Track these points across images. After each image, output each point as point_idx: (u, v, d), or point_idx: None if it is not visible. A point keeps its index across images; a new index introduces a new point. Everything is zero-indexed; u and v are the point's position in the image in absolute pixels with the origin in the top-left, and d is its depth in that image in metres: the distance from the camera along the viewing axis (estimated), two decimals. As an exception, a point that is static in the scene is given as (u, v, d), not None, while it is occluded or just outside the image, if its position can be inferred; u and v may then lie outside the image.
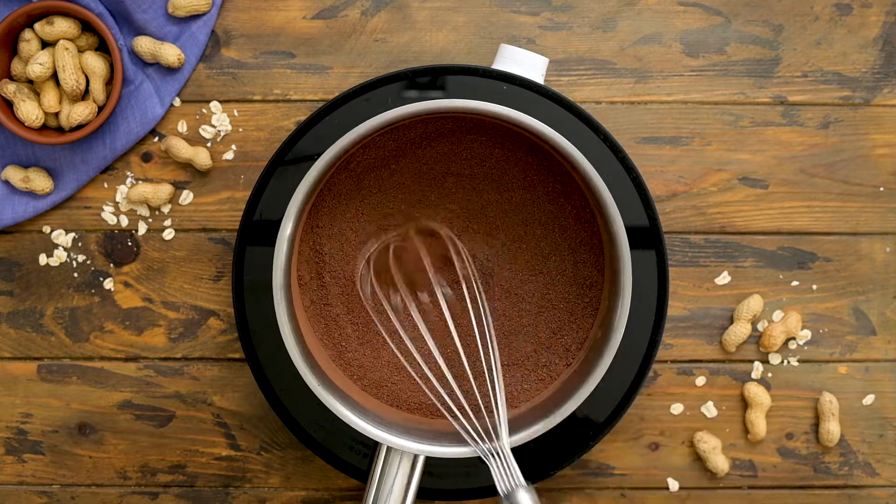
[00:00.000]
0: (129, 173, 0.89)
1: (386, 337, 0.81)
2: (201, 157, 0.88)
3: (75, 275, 0.89)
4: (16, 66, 0.87)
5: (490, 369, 0.79)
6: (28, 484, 0.90)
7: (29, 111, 0.85)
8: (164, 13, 0.88)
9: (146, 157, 0.89)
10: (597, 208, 0.81)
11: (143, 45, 0.87)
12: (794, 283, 0.90)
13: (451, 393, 0.83)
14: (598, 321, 0.83)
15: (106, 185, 0.89)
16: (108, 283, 0.89)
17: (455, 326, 0.82)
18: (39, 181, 0.88)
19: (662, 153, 0.89)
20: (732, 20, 0.89)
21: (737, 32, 0.89)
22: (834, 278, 0.90)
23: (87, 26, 0.87)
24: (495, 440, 0.78)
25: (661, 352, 0.89)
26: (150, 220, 0.89)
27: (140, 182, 0.89)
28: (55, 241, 0.89)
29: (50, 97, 0.86)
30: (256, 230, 0.80)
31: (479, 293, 0.80)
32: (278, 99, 0.89)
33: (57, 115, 0.87)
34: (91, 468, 0.90)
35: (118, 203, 0.89)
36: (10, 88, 0.85)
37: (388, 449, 0.79)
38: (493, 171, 0.84)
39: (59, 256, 0.89)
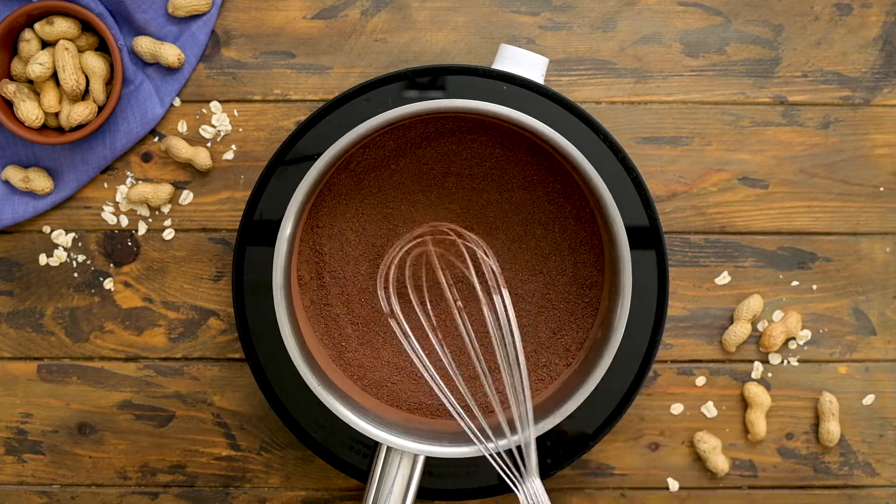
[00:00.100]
0: (129, 173, 0.89)
1: (411, 353, 0.80)
2: (201, 157, 0.88)
3: (75, 275, 0.89)
4: (16, 66, 0.87)
5: (516, 389, 0.78)
6: (28, 484, 0.90)
7: (29, 111, 0.85)
8: (164, 13, 0.88)
9: (146, 157, 0.89)
10: (597, 208, 0.81)
11: (143, 45, 0.87)
12: (794, 283, 0.90)
13: (467, 407, 0.83)
14: (598, 321, 0.83)
15: (106, 185, 0.89)
16: (108, 283, 0.89)
17: (477, 340, 0.82)
18: (39, 181, 0.88)
19: (662, 153, 0.89)
20: (732, 20, 0.89)
21: (737, 32, 0.89)
22: (834, 278, 0.90)
23: (87, 26, 0.87)
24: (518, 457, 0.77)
25: (661, 352, 0.89)
26: (150, 220, 0.89)
27: (140, 182, 0.89)
28: (55, 241, 0.89)
29: (50, 97, 0.86)
30: (256, 230, 0.80)
31: (508, 309, 0.79)
32: (278, 99, 0.89)
33: (57, 115, 0.87)
34: (91, 468, 0.90)
35: (118, 203, 0.89)
36: (10, 88, 0.85)
37: (388, 449, 0.79)
38: (493, 171, 0.84)
39: (59, 256, 0.89)
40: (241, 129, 0.89)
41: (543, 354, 0.84)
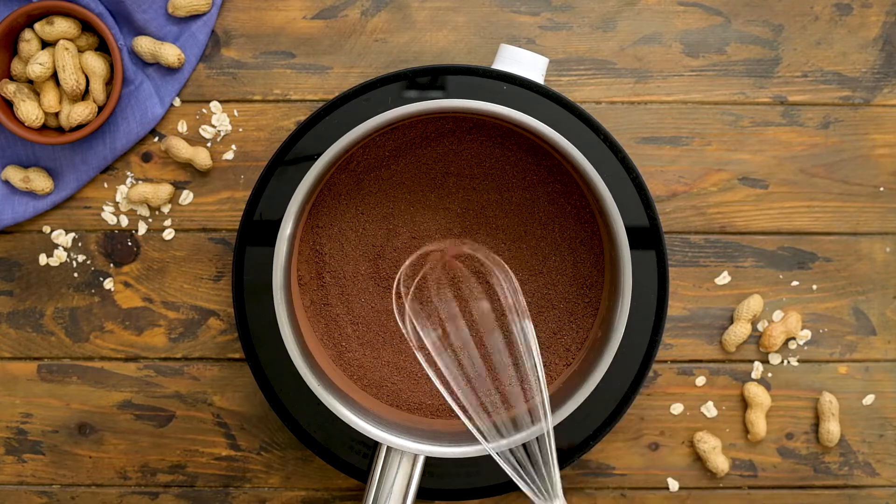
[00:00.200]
0: (129, 173, 0.89)
1: (433, 376, 0.80)
2: (201, 157, 0.88)
3: (75, 275, 0.89)
4: (16, 66, 0.87)
5: (536, 411, 0.78)
6: (28, 484, 0.90)
7: (29, 111, 0.85)
8: (164, 13, 0.88)
9: (146, 157, 0.89)
10: (597, 208, 0.81)
11: (143, 45, 0.87)
12: (794, 283, 0.90)
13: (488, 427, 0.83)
14: (598, 321, 0.83)
15: (106, 185, 0.89)
16: (108, 283, 0.89)
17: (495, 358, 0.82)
18: (39, 181, 0.88)
19: (662, 153, 0.89)
20: (732, 20, 0.89)
21: (737, 32, 0.89)
22: (834, 278, 0.90)
23: (87, 26, 0.87)
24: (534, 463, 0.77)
25: (661, 352, 0.89)
26: (150, 220, 0.89)
27: (140, 182, 0.89)
28: (55, 241, 0.89)
29: (50, 97, 0.86)
30: (256, 230, 0.80)
31: (527, 332, 0.79)
32: (278, 99, 0.89)
33: (57, 115, 0.87)
34: (91, 468, 0.90)
35: (118, 203, 0.89)
36: (10, 88, 0.85)
37: (388, 449, 0.79)
38: (493, 171, 0.84)
39: (59, 256, 0.89)
40: (241, 129, 0.89)
41: (543, 354, 0.84)
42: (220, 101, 0.89)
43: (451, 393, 0.80)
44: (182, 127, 0.89)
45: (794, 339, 0.90)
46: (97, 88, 0.86)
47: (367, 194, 0.84)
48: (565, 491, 0.90)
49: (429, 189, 0.84)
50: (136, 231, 0.89)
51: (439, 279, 0.84)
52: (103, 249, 0.89)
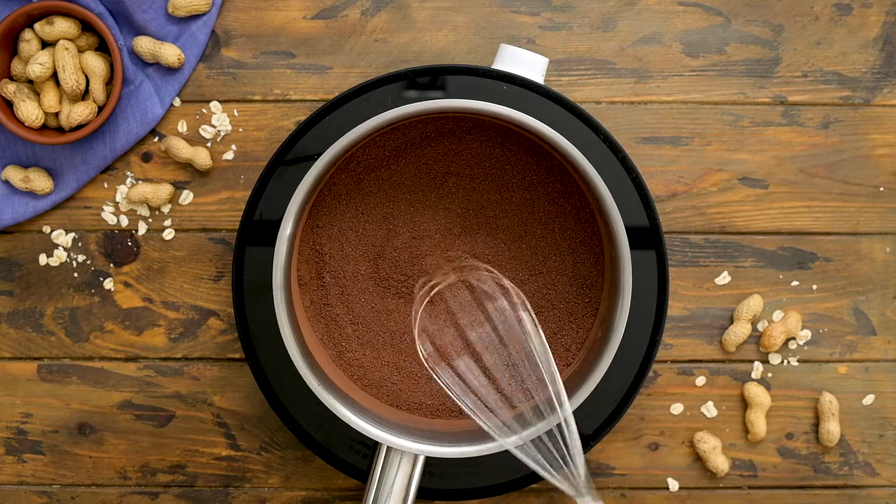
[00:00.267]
0: (129, 173, 0.89)
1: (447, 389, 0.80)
2: (201, 157, 0.88)
3: (75, 275, 0.89)
4: (16, 66, 0.87)
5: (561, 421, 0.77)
6: (28, 484, 0.90)
7: (29, 111, 0.85)
8: (164, 13, 0.88)
9: (146, 157, 0.89)
10: (597, 208, 0.81)
11: (143, 45, 0.87)
12: (794, 283, 0.90)
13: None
14: (598, 321, 0.83)
15: (106, 185, 0.89)
16: (108, 283, 0.89)
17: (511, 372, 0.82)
18: (39, 181, 0.88)
19: (662, 153, 0.89)
20: (732, 20, 0.89)
21: (737, 32, 0.89)
22: (834, 278, 0.90)
23: (87, 26, 0.87)
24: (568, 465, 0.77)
25: (661, 352, 0.89)
26: (150, 220, 0.89)
27: (140, 182, 0.89)
28: (55, 241, 0.89)
29: (50, 97, 0.86)
30: (256, 230, 0.80)
31: (539, 338, 0.78)
32: (278, 99, 0.89)
33: (57, 115, 0.87)
34: (91, 468, 0.90)
35: (118, 203, 0.89)
36: (10, 88, 0.85)
37: (388, 449, 0.79)
38: (493, 171, 0.84)
39: (59, 256, 0.89)
40: (241, 129, 0.89)
41: (543, 354, 0.84)
42: (220, 101, 0.89)
43: (468, 398, 0.80)
44: (182, 127, 0.89)
45: (794, 339, 0.90)
46: (97, 88, 0.86)
47: (367, 194, 0.84)
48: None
49: (429, 189, 0.84)
50: (136, 231, 0.89)
51: (446, 301, 0.84)
52: (103, 249, 0.89)
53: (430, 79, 0.80)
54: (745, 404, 0.90)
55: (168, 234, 0.89)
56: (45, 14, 0.86)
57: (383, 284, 0.85)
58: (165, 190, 0.88)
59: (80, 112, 0.85)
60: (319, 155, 0.77)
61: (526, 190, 0.84)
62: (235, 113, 0.89)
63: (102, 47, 0.88)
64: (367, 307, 0.85)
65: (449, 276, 0.83)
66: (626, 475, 0.90)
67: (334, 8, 0.89)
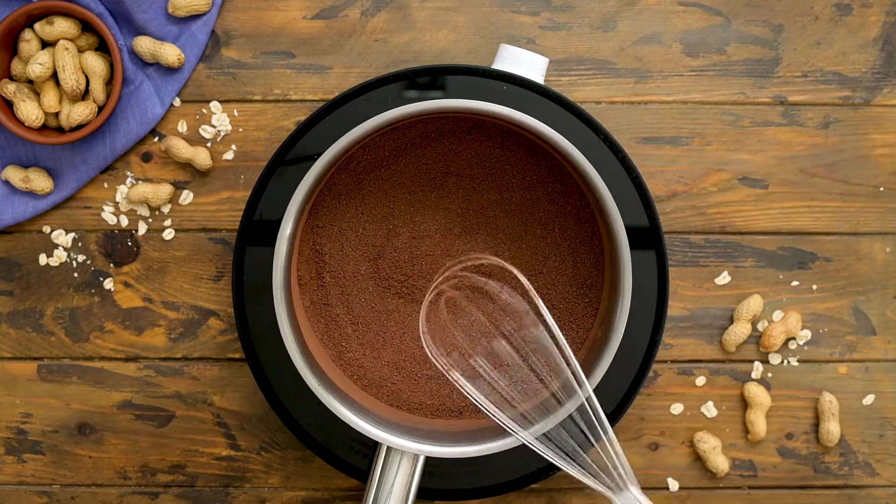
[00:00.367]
0: (129, 173, 0.89)
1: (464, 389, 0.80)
2: (201, 157, 0.88)
3: (75, 275, 0.89)
4: (16, 66, 0.87)
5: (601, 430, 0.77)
6: (28, 484, 0.90)
7: (29, 111, 0.85)
8: (164, 13, 0.88)
9: (146, 157, 0.89)
10: (597, 208, 0.81)
11: (143, 45, 0.87)
12: (794, 283, 0.90)
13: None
14: (598, 321, 0.83)
15: (106, 185, 0.89)
16: (108, 283, 0.89)
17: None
18: (39, 181, 0.88)
19: (662, 153, 0.89)
20: (732, 20, 0.89)
21: (737, 32, 0.89)
22: (834, 278, 0.90)
23: (87, 26, 0.87)
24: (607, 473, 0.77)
25: (661, 352, 0.89)
26: (150, 220, 0.89)
27: (140, 182, 0.89)
28: (55, 241, 0.89)
29: (50, 97, 0.86)
30: (256, 230, 0.80)
31: (555, 334, 0.78)
32: (278, 99, 0.89)
33: (57, 115, 0.87)
34: (91, 468, 0.90)
35: (118, 203, 0.89)
36: (10, 88, 0.85)
37: (388, 449, 0.79)
38: (493, 171, 0.84)
39: (59, 256, 0.89)
40: (241, 129, 0.89)
41: (543, 354, 0.84)
42: (220, 101, 0.89)
43: (481, 392, 0.80)
44: (182, 127, 0.89)
45: (794, 339, 0.90)
46: (97, 88, 0.86)
47: (367, 194, 0.84)
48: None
49: (429, 189, 0.84)
50: (136, 231, 0.89)
51: (454, 296, 0.84)
52: (103, 249, 0.89)
53: (430, 79, 0.80)
54: (745, 404, 0.90)
55: (168, 234, 0.89)
56: (45, 14, 0.86)
57: (383, 284, 0.85)
58: (165, 190, 0.88)
59: (80, 112, 0.85)
60: (319, 155, 0.77)
61: (526, 190, 0.84)
62: (235, 113, 0.89)
63: (102, 47, 0.88)
64: (367, 307, 0.85)
65: (453, 269, 0.83)
66: (626, 475, 0.90)
67: (334, 8, 0.89)
